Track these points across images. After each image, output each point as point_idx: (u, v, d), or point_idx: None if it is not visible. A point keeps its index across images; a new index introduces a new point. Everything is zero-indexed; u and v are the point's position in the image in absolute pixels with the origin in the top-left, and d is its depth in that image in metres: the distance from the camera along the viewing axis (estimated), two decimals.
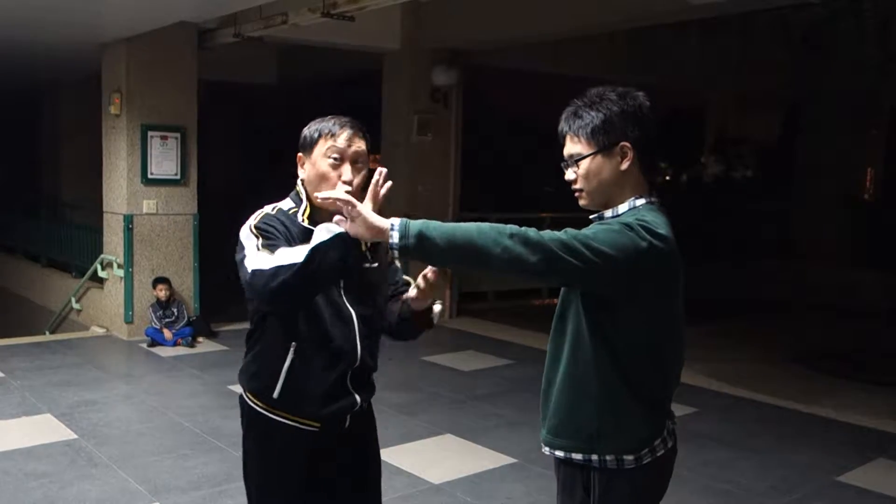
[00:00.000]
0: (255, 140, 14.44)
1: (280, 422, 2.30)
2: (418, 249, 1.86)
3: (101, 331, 8.15)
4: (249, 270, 2.08)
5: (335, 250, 1.98)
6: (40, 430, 5.11)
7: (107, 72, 8.06)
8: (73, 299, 8.88)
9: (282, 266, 2.01)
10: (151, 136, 7.75)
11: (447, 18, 8.60)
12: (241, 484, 4.24)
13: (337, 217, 1.97)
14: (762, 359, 7.61)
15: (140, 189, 7.77)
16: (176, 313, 7.66)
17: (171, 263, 7.95)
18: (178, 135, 7.87)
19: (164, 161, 7.84)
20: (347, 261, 2.02)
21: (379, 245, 2.38)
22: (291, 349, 2.25)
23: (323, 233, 2.00)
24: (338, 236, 1.97)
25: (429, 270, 2.24)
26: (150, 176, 7.77)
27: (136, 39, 7.64)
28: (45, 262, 10.48)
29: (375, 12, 6.97)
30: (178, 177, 7.92)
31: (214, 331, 8.00)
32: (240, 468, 4.65)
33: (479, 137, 10.63)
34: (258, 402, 2.33)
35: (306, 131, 2.32)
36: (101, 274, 8.20)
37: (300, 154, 2.33)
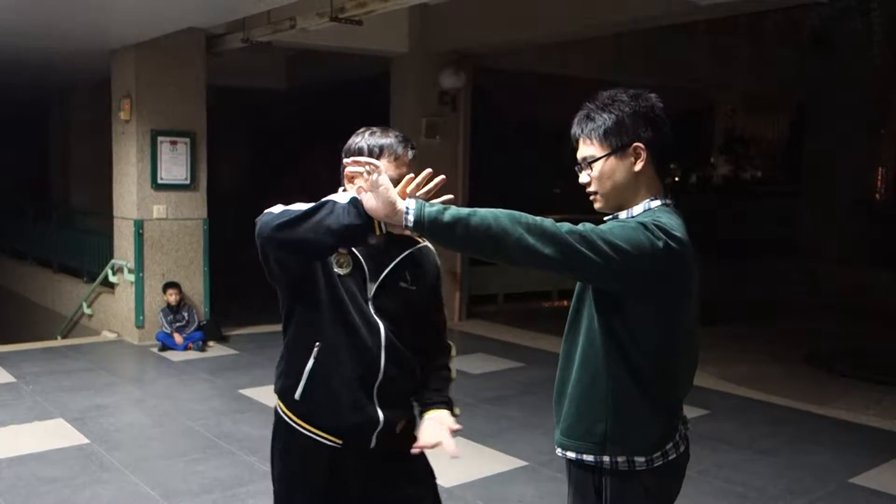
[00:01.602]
0: (265, 144, 14.50)
1: (301, 433, 2.28)
2: (433, 232, 1.84)
3: (112, 335, 8.18)
4: (263, 213, 2.09)
5: (345, 214, 1.91)
6: (52, 434, 5.13)
7: (116, 78, 8.10)
8: (85, 304, 8.92)
9: (289, 209, 2.03)
10: (161, 142, 7.78)
11: (455, 21, 8.60)
12: (253, 488, 4.28)
13: (359, 185, 1.93)
14: (773, 360, 7.57)
15: (150, 194, 7.80)
16: (186, 317, 7.68)
17: (181, 268, 7.98)
18: (187, 140, 7.90)
19: (174, 166, 7.86)
20: (354, 230, 1.92)
21: (420, 270, 2.32)
22: (315, 349, 2.23)
23: (340, 195, 2.00)
24: (351, 200, 1.92)
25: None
26: (159, 181, 7.80)
27: (145, 45, 7.67)
28: (56, 267, 10.53)
29: (383, 16, 6.98)
30: (188, 182, 7.95)
31: (225, 335, 8.02)
32: (251, 472, 4.68)
33: (488, 140, 10.63)
34: (284, 407, 2.32)
35: (363, 143, 2.23)
36: (112, 279, 8.23)
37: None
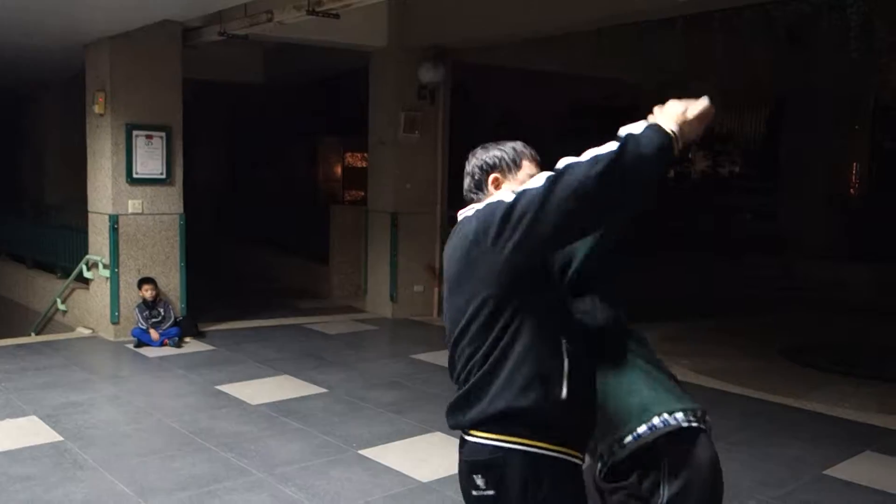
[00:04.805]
0: (243, 139, 14.39)
1: (550, 457, 1.99)
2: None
3: (86, 332, 8.09)
4: (560, 168, 1.86)
5: (655, 135, 1.83)
6: (25, 432, 5.06)
7: (90, 71, 8.00)
8: (59, 300, 8.81)
9: (599, 154, 1.83)
10: (136, 136, 7.69)
11: (433, 15, 8.58)
12: (229, 484, 4.25)
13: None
14: (748, 353, 7.64)
15: (125, 189, 7.71)
16: (162, 313, 7.61)
17: (157, 263, 7.91)
18: (163, 134, 7.81)
19: (150, 160, 7.78)
20: (668, 150, 1.84)
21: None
22: (564, 346, 2.00)
23: (634, 126, 1.87)
24: (650, 125, 1.84)
25: None
26: (135, 175, 7.72)
27: (119, 38, 7.58)
28: (30, 262, 10.39)
29: (361, 10, 6.95)
30: (164, 176, 7.87)
31: (202, 331, 7.96)
32: (227, 468, 4.63)
33: (467, 135, 10.61)
34: (524, 436, 1.97)
35: (504, 155, 2.23)
36: (87, 274, 8.14)
37: (497, 175, 2.22)
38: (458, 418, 2.07)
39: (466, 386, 2.03)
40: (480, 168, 2.25)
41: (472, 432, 2.03)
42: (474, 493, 2.02)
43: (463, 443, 2.08)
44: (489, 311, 1.97)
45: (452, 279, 2.07)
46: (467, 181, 2.28)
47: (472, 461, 2.03)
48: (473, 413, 2.01)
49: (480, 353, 2.00)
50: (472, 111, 11.20)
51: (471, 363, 2.02)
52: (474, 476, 2.00)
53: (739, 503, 4.15)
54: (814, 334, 8.68)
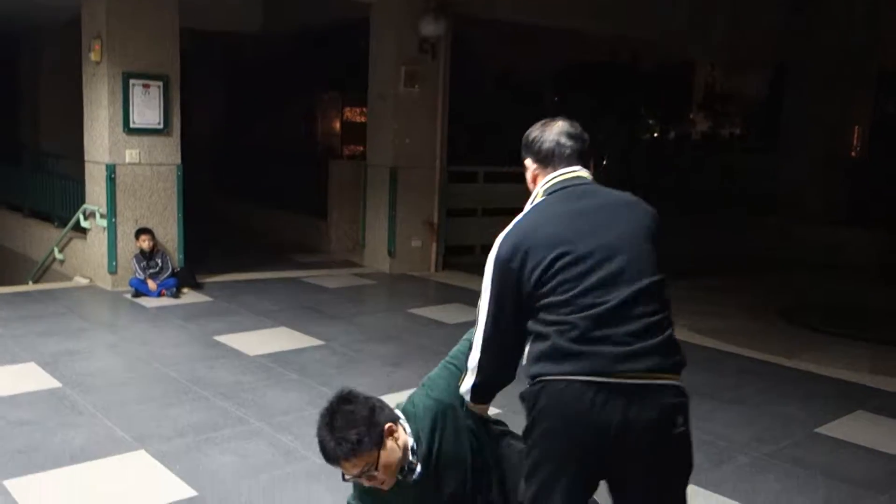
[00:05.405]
0: (241, 90, 14.25)
1: None
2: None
3: (84, 281, 8.09)
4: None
5: None
6: (24, 378, 5.09)
7: (87, 17, 7.87)
8: (56, 249, 8.80)
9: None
10: (133, 84, 7.60)
11: None
12: (227, 432, 4.29)
13: None
14: (746, 314, 7.68)
15: (122, 138, 7.64)
16: (160, 264, 7.60)
17: (154, 214, 7.88)
18: (160, 83, 7.72)
19: (147, 110, 7.70)
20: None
21: None
22: None
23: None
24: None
25: None
26: (132, 125, 7.64)
27: None
28: (27, 211, 10.36)
29: None
30: (161, 126, 7.79)
31: (199, 282, 7.96)
32: (225, 417, 4.67)
33: (467, 89, 10.51)
34: None
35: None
36: (84, 224, 8.11)
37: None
38: (663, 360, 2.19)
39: (665, 335, 2.21)
40: (586, 143, 2.44)
41: (675, 376, 2.21)
42: (676, 430, 2.20)
43: (655, 387, 2.17)
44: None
45: (642, 232, 2.29)
46: (579, 144, 2.41)
47: (680, 403, 2.21)
48: (678, 359, 2.23)
49: (666, 315, 2.25)
50: (472, 66, 11.07)
51: (660, 316, 2.22)
52: (678, 416, 2.20)
53: (732, 458, 4.20)
54: (811, 295, 8.72)
